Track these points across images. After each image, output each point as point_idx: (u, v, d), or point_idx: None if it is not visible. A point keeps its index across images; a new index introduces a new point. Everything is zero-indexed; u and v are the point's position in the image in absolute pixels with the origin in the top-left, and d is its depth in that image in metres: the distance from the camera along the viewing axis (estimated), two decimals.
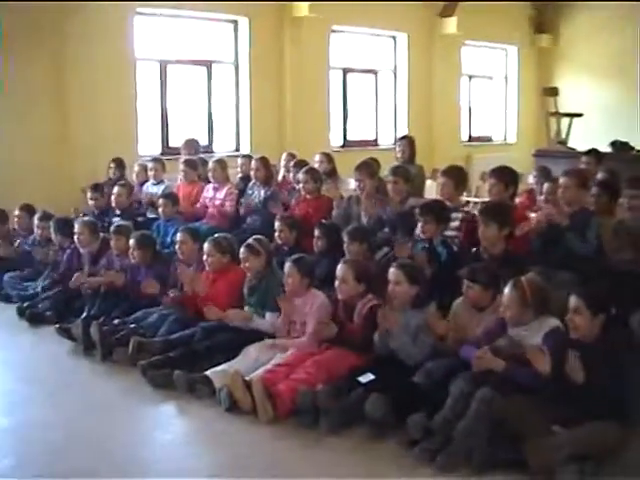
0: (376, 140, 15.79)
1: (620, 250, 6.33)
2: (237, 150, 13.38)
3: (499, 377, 4.97)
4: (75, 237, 8.47)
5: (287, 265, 6.39)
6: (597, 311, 4.81)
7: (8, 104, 10.85)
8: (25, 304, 8.40)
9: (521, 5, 17.83)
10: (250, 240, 6.96)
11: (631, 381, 4.65)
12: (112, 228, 8.27)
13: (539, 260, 6.27)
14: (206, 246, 7.13)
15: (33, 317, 8.15)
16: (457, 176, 7.38)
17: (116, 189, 9.75)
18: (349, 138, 15.31)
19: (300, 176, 8.75)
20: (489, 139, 18.39)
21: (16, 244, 9.65)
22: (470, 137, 17.79)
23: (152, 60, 12.58)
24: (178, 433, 5.65)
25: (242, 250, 6.85)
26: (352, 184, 9.12)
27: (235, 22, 13.37)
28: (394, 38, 15.86)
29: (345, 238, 6.85)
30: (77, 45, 11.28)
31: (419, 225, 6.74)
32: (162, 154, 12.21)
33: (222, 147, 13.33)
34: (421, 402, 5.16)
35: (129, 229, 8.20)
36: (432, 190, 9.50)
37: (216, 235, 7.33)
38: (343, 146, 14.98)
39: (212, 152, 12.73)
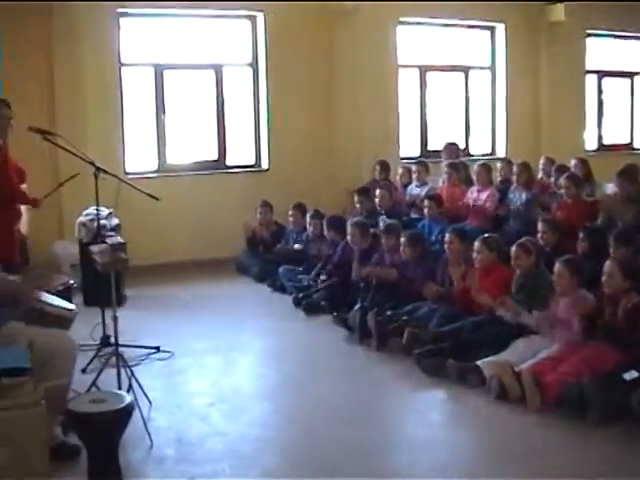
0: (631, 144, 15.65)
1: None
2: (492, 154, 13.70)
3: None
4: (348, 237, 9.13)
5: (557, 265, 6.62)
6: None
7: (283, 111, 11.77)
8: (301, 294, 9.16)
9: None
10: (523, 239, 7.32)
11: None
12: (383, 227, 8.86)
13: None
14: (476, 244, 7.52)
15: (309, 307, 8.89)
16: None
17: (378, 192, 10.35)
18: (604, 142, 15.29)
19: (562, 181, 9.01)
20: None
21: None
22: None
23: (412, 67, 13.12)
24: (449, 415, 6.17)
25: (514, 248, 7.21)
26: (609, 188, 9.36)
27: (492, 28, 13.70)
28: None
29: (612, 241, 7.05)
30: (344, 53, 12.04)
31: None
32: (420, 157, 12.75)
33: (478, 150, 13.70)
34: None
35: (399, 228, 8.77)
36: None
37: (486, 234, 7.73)
38: (597, 150, 14.95)
39: (469, 155, 13.10)
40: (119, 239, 5.67)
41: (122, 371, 5.87)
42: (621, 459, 5.13)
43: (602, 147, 15.18)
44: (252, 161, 12.11)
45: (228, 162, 11.94)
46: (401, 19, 12.63)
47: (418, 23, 13.10)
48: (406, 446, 5.48)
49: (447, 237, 7.98)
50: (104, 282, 6.20)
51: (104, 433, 4.46)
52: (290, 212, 10.84)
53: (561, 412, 5.77)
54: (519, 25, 13.66)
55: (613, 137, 15.51)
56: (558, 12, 13.49)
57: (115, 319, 5.78)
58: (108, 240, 5.68)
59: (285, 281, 9.81)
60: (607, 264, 6.38)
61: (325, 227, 9.76)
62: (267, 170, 11.98)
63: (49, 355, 4.58)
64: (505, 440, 5.52)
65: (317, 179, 11.86)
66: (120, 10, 10.88)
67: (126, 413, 4.54)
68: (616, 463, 5.07)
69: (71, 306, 5.45)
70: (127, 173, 10.68)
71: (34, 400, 4.26)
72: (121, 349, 6.81)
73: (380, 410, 6.12)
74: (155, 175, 11.27)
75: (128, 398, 4.66)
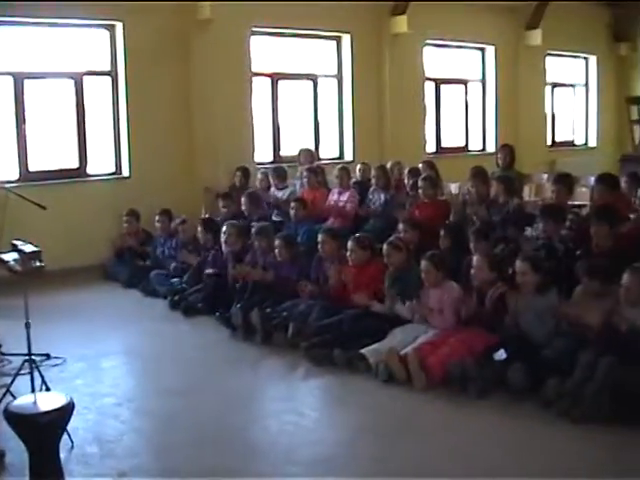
0: (466, 147, 16.73)
1: None
2: (340, 157, 14.39)
3: (619, 349, 5.87)
4: (222, 237, 9.50)
5: (423, 261, 7.28)
6: None
7: (142, 118, 12.04)
8: (176, 297, 9.47)
9: (600, 15, 18.63)
10: (392, 238, 7.94)
11: None
12: (255, 229, 9.28)
13: None
14: (350, 243, 8.06)
15: (187, 309, 9.21)
16: (569, 183, 8.37)
17: (243, 199, 10.79)
18: (442, 145, 16.29)
19: (420, 182, 9.68)
20: (572, 144, 19.15)
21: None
22: (554, 142, 18.57)
23: (265, 75, 13.59)
24: (340, 398, 6.65)
25: (385, 247, 7.80)
26: (452, 188, 10.48)
27: (339, 38, 14.35)
28: (482, 50, 16.77)
29: (472, 237, 7.76)
30: (200, 60, 12.45)
31: (540, 225, 7.68)
32: (273, 162, 13.26)
33: (327, 154, 14.29)
34: (549, 372, 6.10)
35: (270, 230, 9.23)
36: None
37: (357, 234, 8.31)
38: (436, 152, 15.85)
39: (319, 159, 13.62)
40: (32, 247, 5.81)
41: None
42: (501, 424, 5.85)
43: (441, 150, 16.16)
44: (113, 169, 12.27)
45: (89, 170, 12.02)
46: (254, 29, 13.01)
47: (270, 33, 13.54)
48: (305, 425, 5.99)
49: (320, 237, 8.48)
50: None
51: (50, 431, 4.69)
52: (157, 218, 11.16)
53: (445, 390, 6.44)
54: (364, 36, 14.39)
55: (450, 140, 16.54)
56: (401, 24, 14.33)
57: (28, 325, 5.92)
58: (22, 247, 5.81)
59: (157, 285, 10.10)
60: (476, 258, 7.11)
61: (200, 229, 10.12)
62: (128, 177, 12.17)
63: None
64: (398, 418, 6.09)
65: (178, 183, 12.20)
66: None
67: (70, 409, 4.79)
68: (497, 429, 5.77)
69: None
70: None
71: None
72: (11, 357, 7.02)
73: (275, 396, 6.73)
74: (19, 184, 11.11)
75: (66, 397, 4.87)
